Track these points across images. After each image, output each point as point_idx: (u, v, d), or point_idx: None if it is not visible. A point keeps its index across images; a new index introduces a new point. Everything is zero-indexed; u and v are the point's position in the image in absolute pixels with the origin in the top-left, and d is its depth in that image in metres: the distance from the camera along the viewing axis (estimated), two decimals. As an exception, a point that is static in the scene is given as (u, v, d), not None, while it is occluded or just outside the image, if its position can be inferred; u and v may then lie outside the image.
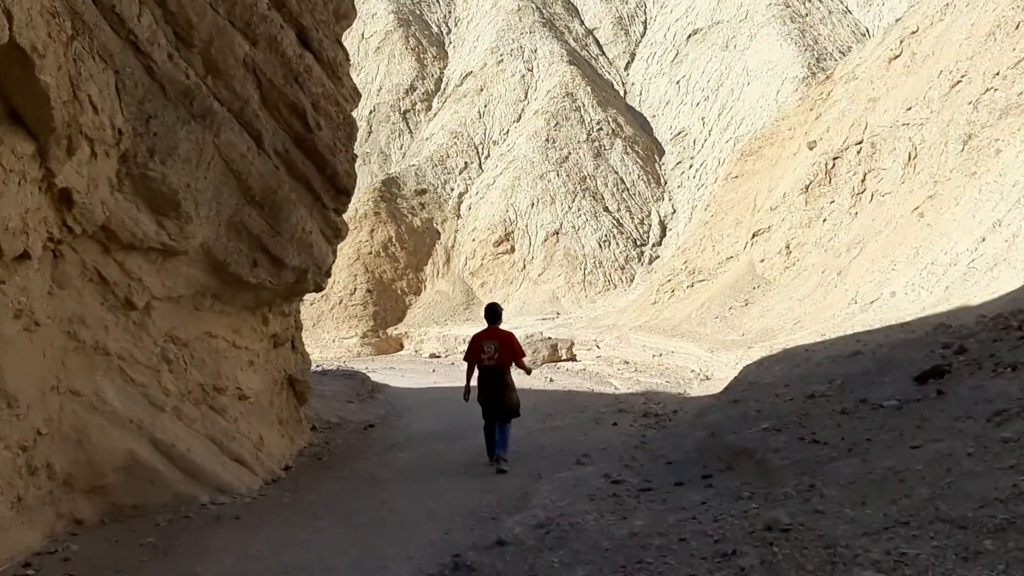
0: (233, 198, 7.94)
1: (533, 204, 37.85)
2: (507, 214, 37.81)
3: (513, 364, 10.02)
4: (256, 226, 8.20)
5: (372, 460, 10.65)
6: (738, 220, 24.64)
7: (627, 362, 22.70)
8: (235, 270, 8.14)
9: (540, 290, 35.16)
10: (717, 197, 26.66)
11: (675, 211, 38.97)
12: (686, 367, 20.60)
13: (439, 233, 38.72)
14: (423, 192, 39.81)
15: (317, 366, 21.98)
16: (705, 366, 19.75)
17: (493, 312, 10.04)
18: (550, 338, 25.47)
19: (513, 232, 37.34)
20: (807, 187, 22.59)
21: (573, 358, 24.82)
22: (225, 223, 7.96)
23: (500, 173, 40.13)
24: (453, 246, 38.32)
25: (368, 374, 24.69)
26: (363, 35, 50.18)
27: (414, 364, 29.03)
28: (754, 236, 23.66)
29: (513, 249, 36.96)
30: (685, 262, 25.52)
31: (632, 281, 35.33)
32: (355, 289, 35.15)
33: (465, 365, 10.47)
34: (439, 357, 31.41)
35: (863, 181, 21.48)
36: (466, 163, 41.69)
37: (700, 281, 24.54)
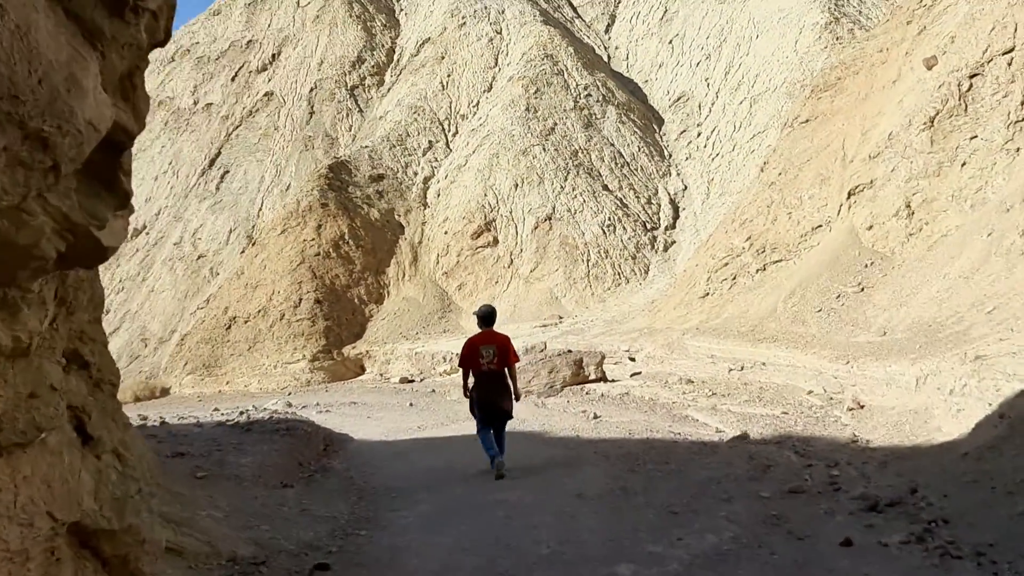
0: None
1: (517, 185, 30.87)
2: (485, 199, 30.78)
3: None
4: None
5: None
6: (823, 176, 17.91)
7: (691, 381, 15.84)
8: None
9: (534, 289, 28.19)
10: (782, 150, 19.93)
11: (687, 187, 32.26)
12: (794, 386, 13.80)
13: (402, 227, 31.54)
14: (380, 178, 32.59)
15: (240, 413, 14.77)
16: (834, 385, 12.95)
17: (489, 315, 9.96)
18: (569, 351, 18.51)
19: (495, 220, 30.33)
20: (932, 120, 15.94)
21: (603, 377, 17.92)
22: None
23: (473, 151, 33.10)
24: (421, 242, 31.18)
25: (321, 415, 17.60)
26: (299, 2, 42.89)
27: (382, 395, 21.83)
28: (850, 195, 16.96)
29: (496, 241, 29.94)
30: (748, 238, 18.70)
31: (647, 272, 28.52)
32: (300, 300, 27.83)
33: (460, 372, 10.19)
34: (413, 381, 24.29)
35: (1023, 104, 14.90)
36: (430, 142, 34.58)
37: (775, 262, 17.78)
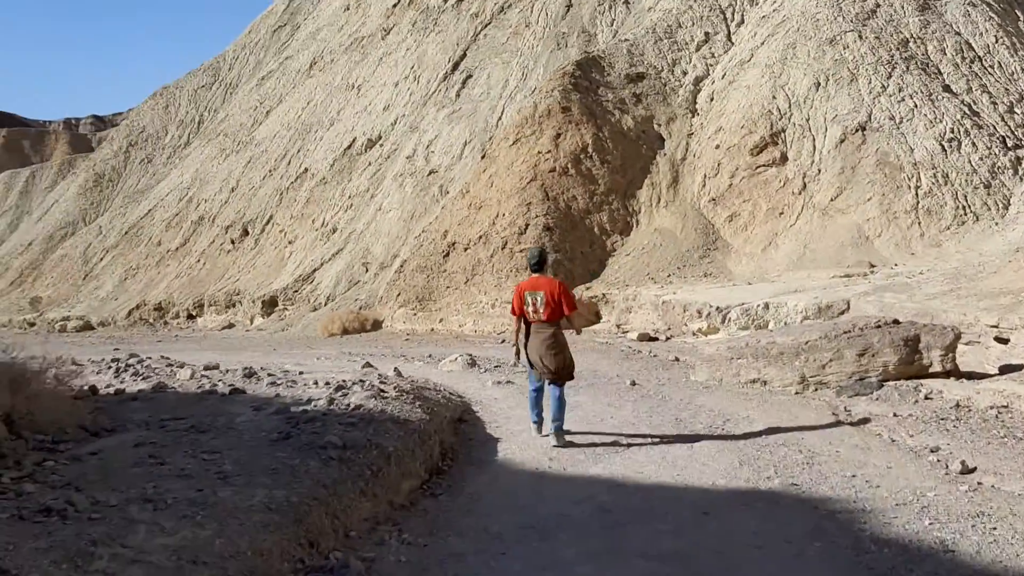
0: None
1: (818, 84, 23.05)
2: (774, 103, 23.29)
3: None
4: None
5: None
6: None
7: None
8: None
9: (834, 225, 20.58)
10: None
11: (1070, 91, 22.67)
12: None
13: (662, 139, 24.88)
14: (639, 78, 26.03)
15: (336, 387, 9.31)
16: None
17: (537, 258, 8.62)
18: (896, 322, 11.27)
19: (784, 131, 22.82)
20: None
21: (955, 371, 10.60)
22: None
23: (761, 43, 25.52)
24: (684, 158, 24.39)
25: (499, 387, 12.08)
26: None
27: (606, 357, 15.75)
28: None
29: (784, 158, 22.48)
30: None
31: (1006, 207, 19.88)
32: (526, 225, 22.29)
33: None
34: (656, 340, 18.08)
35: None
36: (707, 34, 27.36)
37: None
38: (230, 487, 5.49)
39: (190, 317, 33.24)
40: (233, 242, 35.35)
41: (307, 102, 40.35)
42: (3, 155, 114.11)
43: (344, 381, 9.43)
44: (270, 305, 30.02)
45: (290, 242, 32.58)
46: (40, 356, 10.36)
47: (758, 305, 16.52)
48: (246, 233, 35.21)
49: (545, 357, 8.24)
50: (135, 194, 55.34)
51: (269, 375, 11.29)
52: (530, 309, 8.30)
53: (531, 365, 8.45)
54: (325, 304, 27.70)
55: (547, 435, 8.34)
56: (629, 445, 8.23)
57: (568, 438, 8.36)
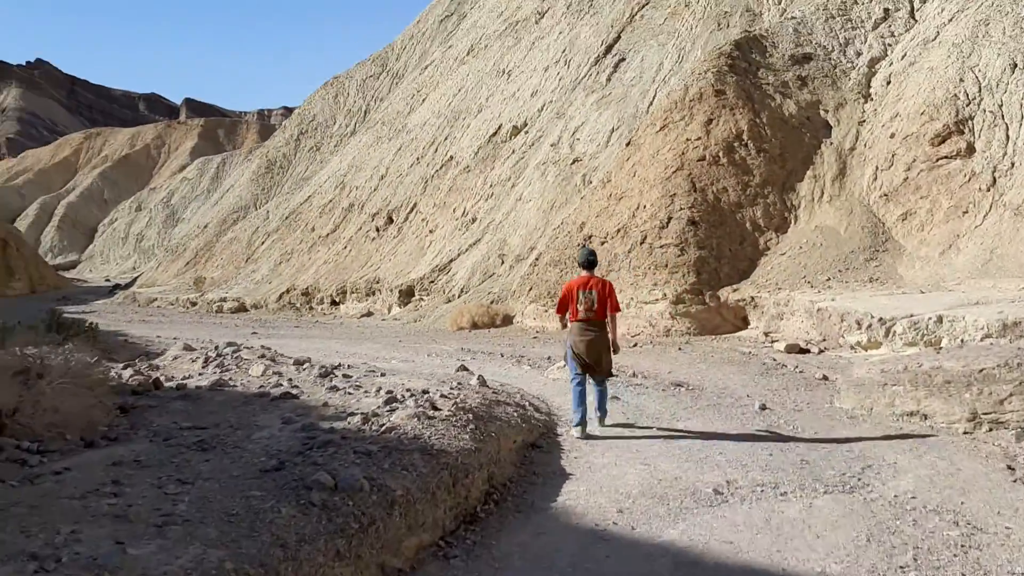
0: None
1: (1015, 66, 19.88)
2: (960, 87, 20.30)
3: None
4: None
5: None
6: None
7: None
8: None
9: (1029, 227, 17.59)
10: None
11: None
12: None
13: (829, 126, 22.30)
14: (806, 59, 23.49)
15: (395, 395, 8.02)
16: None
17: (589, 258, 9.03)
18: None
19: (971, 119, 19.82)
20: None
21: None
22: None
23: (949, 20, 22.43)
24: (854, 148, 21.72)
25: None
26: None
27: (742, 371, 13.83)
28: None
29: (971, 150, 19.50)
30: None
31: None
32: (668, 219, 20.43)
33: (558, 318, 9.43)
34: (808, 352, 15.97)
35: None
36: (886, 10, 24.41)
37: None
38: (160, 539, 4.28)
39: (333, 303, 33.31)
40: (378, 229, 35.19)
41: (458, 89, 39.76)
42: (200, 143, 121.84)
43: (405, 392, 8.18)
44: (407, 295, 29.51)
45: (431, 231, 31.99)
46: (124, 338, 9.67)
47: (929, 318, 14.10)
48: (390, 221, 34.96)
49: (601, 354, 8.69)
50: (301, 181, 56.83)
51: (345, 376, 10.24)
52: (582, 307, 8.64)
53: (577, 361, 8.75)
54: (459, 296, 26.83)
55: (593, 429, 8.65)
56: (730, 496, 6.52)
57: (657, 481, 6.78)
